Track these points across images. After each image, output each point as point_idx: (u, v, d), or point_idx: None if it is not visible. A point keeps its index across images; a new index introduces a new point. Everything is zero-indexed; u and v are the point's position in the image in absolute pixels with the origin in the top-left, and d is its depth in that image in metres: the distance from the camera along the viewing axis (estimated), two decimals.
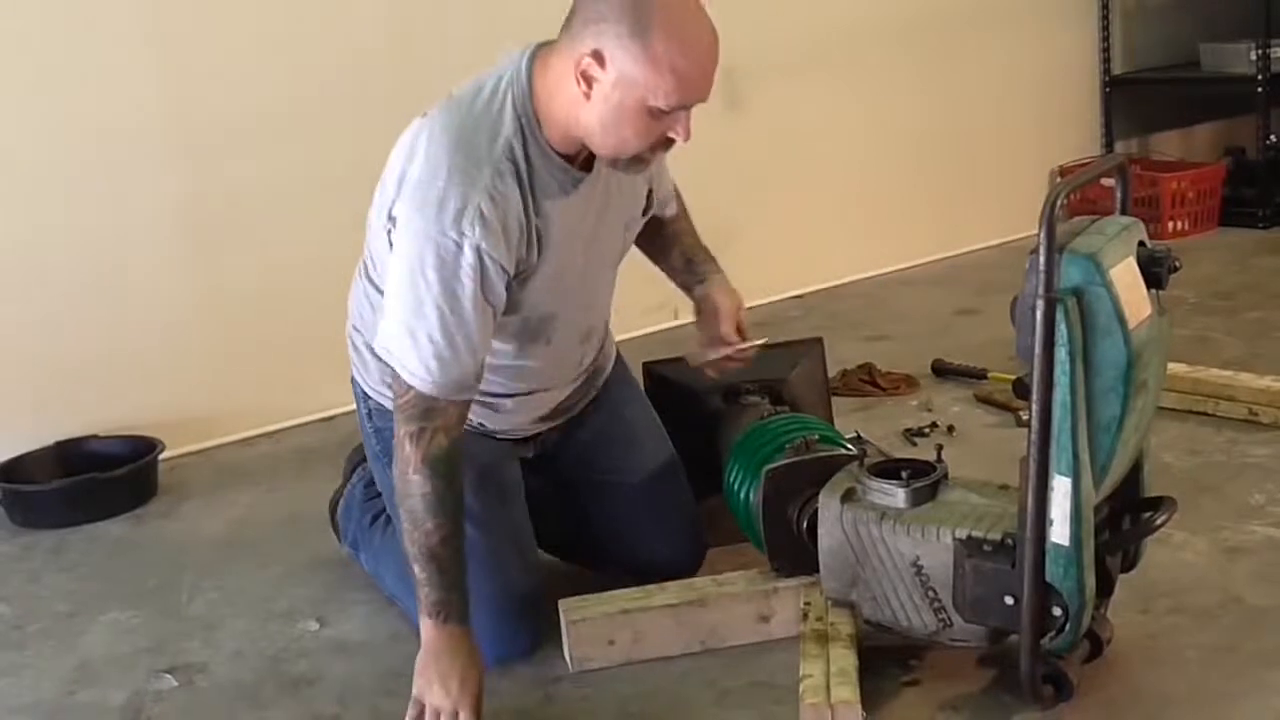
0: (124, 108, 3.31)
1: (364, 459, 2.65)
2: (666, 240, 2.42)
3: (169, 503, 3.16)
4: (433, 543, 2.01)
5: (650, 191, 2.30)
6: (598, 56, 1.91)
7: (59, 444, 3.25)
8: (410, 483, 2.01)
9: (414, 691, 2.02)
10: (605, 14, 1.90)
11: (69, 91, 3.23)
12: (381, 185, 2.10)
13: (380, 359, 2.09)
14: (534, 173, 2.03)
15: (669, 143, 2.01)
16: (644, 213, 2.30)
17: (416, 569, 2.04)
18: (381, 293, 2.10)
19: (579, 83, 1.94)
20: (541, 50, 2.03)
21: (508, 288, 2.04)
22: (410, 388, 1.99)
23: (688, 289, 2.41)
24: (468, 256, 1.95)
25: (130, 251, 3.36)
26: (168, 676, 2.32)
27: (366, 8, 3.64)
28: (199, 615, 2.56)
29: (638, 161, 2.04)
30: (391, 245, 2.04)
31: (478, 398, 2.14)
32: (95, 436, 3.29)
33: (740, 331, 2.34)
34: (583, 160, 2.08)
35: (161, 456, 3.24)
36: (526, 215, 2.02)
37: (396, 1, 3.67)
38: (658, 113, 1.94)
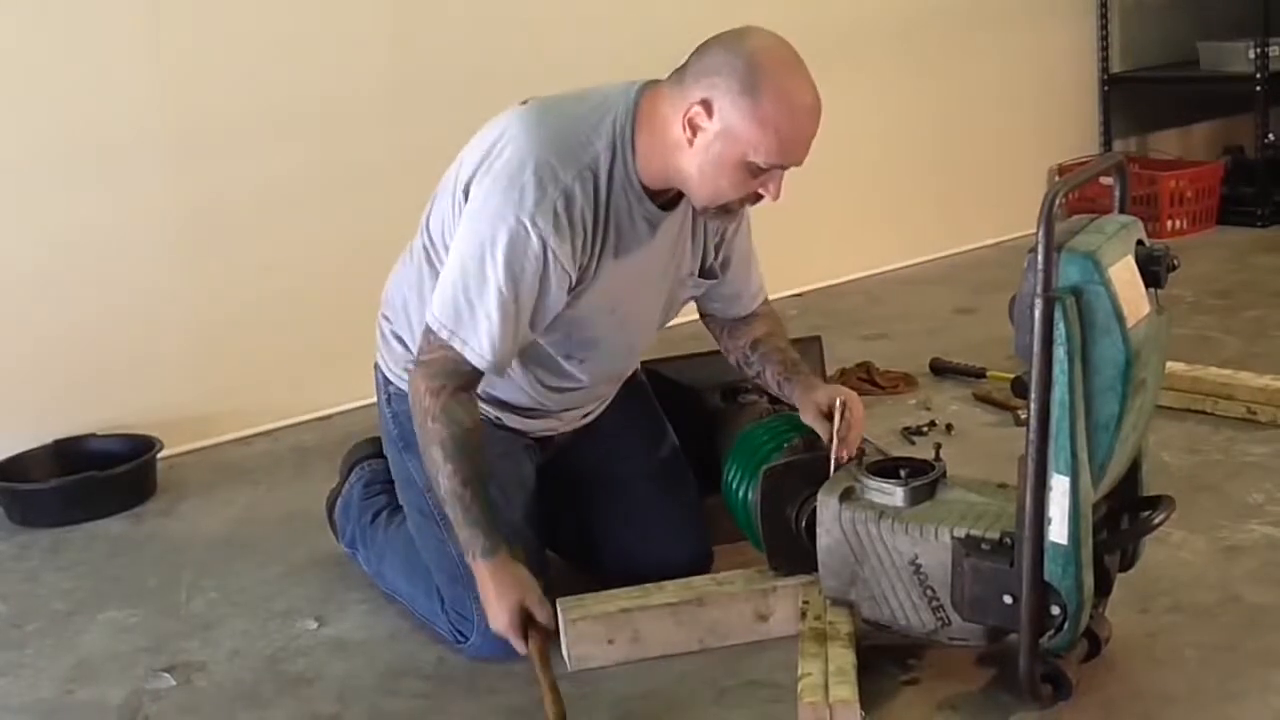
0: (124, 109, 3.30)
1: (361, 458, 2.66)
2: (761, 334, 2.42)
3: (167, 501, 3.15)
4: (454, 484, 2.12)
5: (719, 258, 2.33)
6: (706, 106, 2.00)
7: (57, 442, 3.25)
8: (429, 431, 2.12)
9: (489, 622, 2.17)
10: (719, 69, 1.99)
11: (68, 93, 3.22)
12: (459, 163, 2.17)
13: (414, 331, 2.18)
14: (613, 193, 2.09)
15: (758, 198, 2.09)
16: (705, 274, 2.32)
17: (447, 513, 2.16)
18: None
19: (685, 129, 2.02)
20: (651, 87, 2.11)
21: (569, 291, 2.11)
22: (445, 348, 2.09)
23: (783, 391, 2.37)
24: (534, 247, 2.03)
25: (129, 251, 3.35)
26: (166, 675, 2.32)
27: (367, 9, 3.64)
28: (197, 614, 2.56)
29: (726, 212, 2.13)
30: (457, 221, 2.11)
31: (504, 404, 2.27)
32: (94, 435, 3.28)
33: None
34: (664, 202, 2.14)
35: (160, 455, 3.23)
36: (595, 229, 2.08)
37: (397, 3, 3.67)
38: (755, 169, 2.03)
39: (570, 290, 2.11)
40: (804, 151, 2.05)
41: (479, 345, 2.07)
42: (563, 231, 2.03)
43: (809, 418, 2.27)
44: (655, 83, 2.11)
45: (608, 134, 2.08)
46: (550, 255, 2.04)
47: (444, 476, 2.12)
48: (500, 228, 2.03)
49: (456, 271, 2.08)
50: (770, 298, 2.49)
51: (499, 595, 2.14)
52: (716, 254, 2.32)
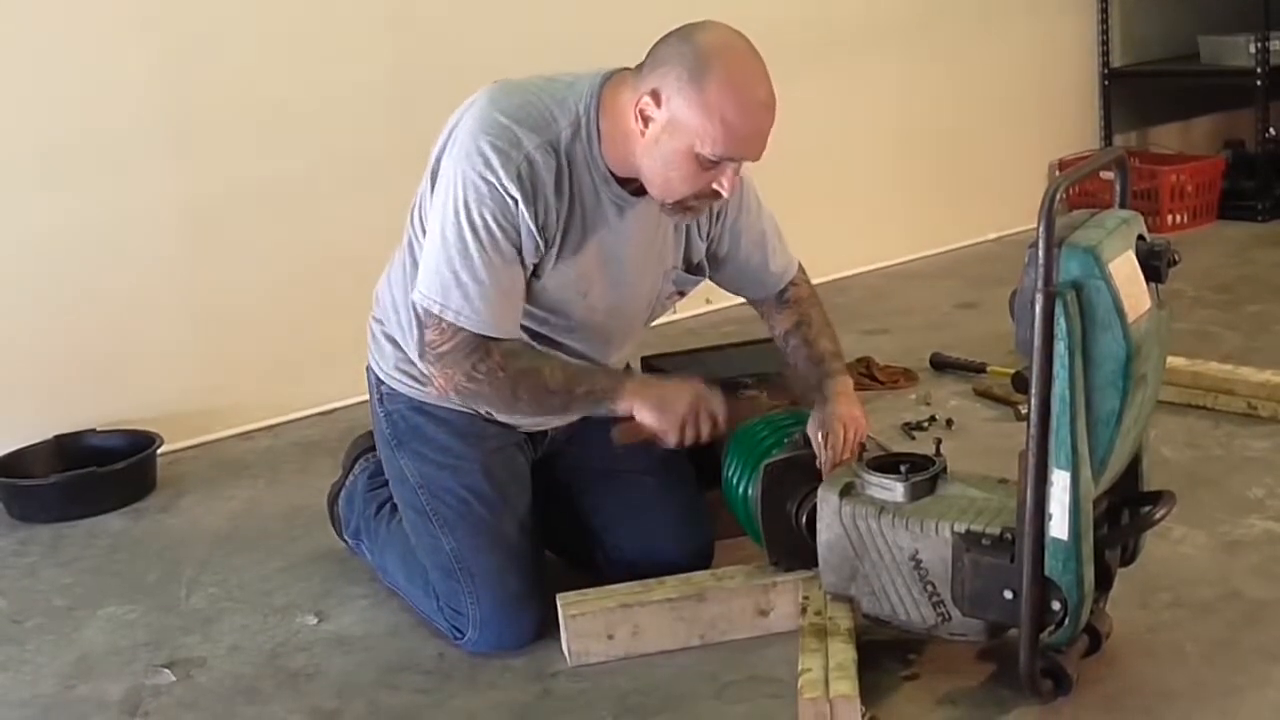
0: (123, 105, 3.30)
1: (366, 450, 2.66)
2: (790, 325, 2.42)
3: (168, 497, 3.15)
4: (562, 374, 2.16)
5: (716, 249, 2.33)
6: (655, 96, 2.00)
7: (58, 438, 3.25)
8: (504, 381, 2.11)
9: (669, 431, 2.18)
10: (669, 58, 2.00)
11: (69, 91, 3.22)
12: (434, 149, 2.17)
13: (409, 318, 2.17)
14: (574, 170, 2.09)
15: (716, 195, 2.07)
16: (694, 269, 2.32)
17: (579, 395, 2.18)
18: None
19: (637, 119, 2.03)
20: (616, 75, 2.11)
21: (535, 266, 2.11)
22: (459, 329, 2.08)
23: (807, 390, 2.36)
24: (505, 203, 2.04)
25: (129, 246, 3.35)
26: (166, 671, 2.32)
27: (366, 5, 3.64)
28: (198, 610, 2.56)
29: (684, 209, 2.11)
30: (432, 199, 2.12)
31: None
32: (94, 430, 3.28)
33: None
34: (635, 189, 2.13)
35: (160, 451, 3.24)
36: (558, 200, 2.08)
37: (397, 2, 3.68)
38: (705, 162, 2.01)
39: (538, 257, 2.11)
40: (756, 145, 2.02)
41: (475, 312, 2.08)
42: (526, 193, 2.04)
43: (809, 428, 2.26)
44: (623, 69, 2.11)
45: (571, 113, 2.08)
46: (521, 212, 2.05)
47: (551, 380, 2.14)
48: (469, 191, 2.05)
49: (437, 245, 2.09)
50: None
51: (677, 381, 2.23)
52: (711, 244, 2.32)
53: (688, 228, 2.27)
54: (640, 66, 2.06)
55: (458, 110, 2.15)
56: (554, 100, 2.10)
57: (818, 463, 2.20)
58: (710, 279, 2.39)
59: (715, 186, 2.05)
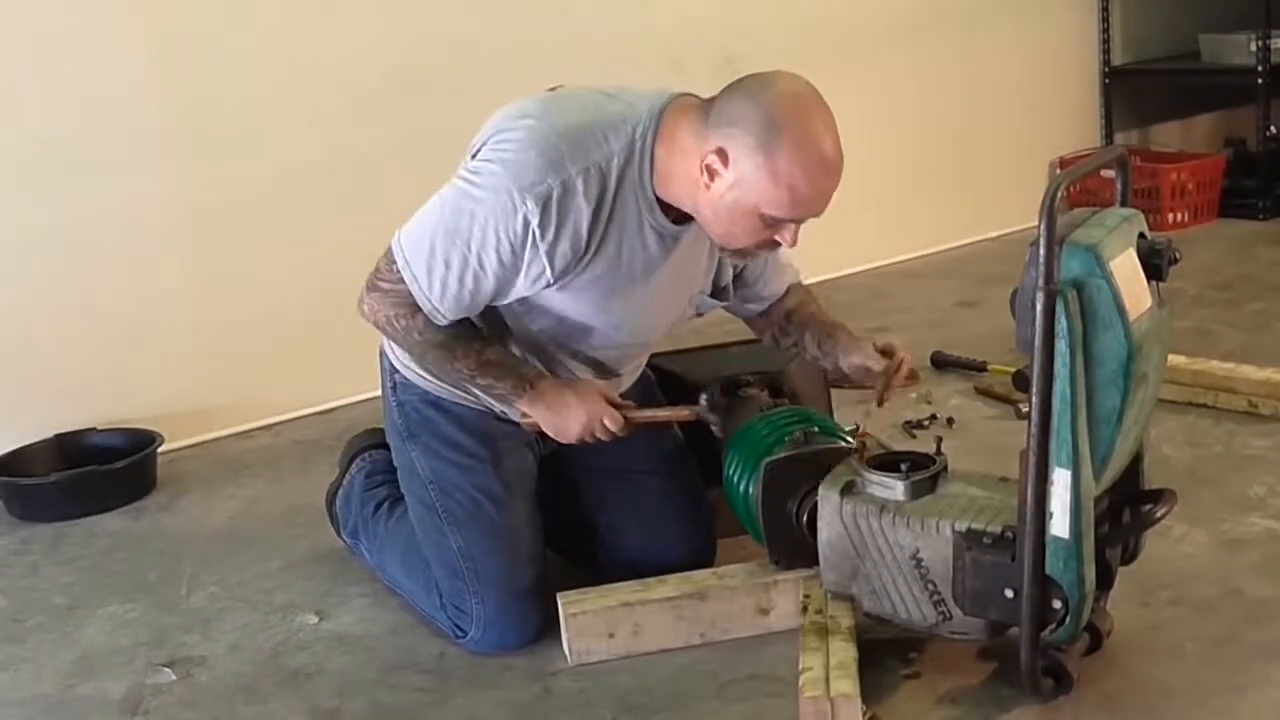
0: (124, 104, 3.30)
1: (363, 449, 2.66)
2: (794, 305, 2.44)
3: (168, 496, 3.15)
4: (474, 360, 2.17)
5: (736, 274, 2.34)
6: (722, 156, 1.98)
7: (58, 437, 3.25)
8: (416, 343, 2.17)
9: (563, 440, 2.24)
10: (739, 119, 1.97)
11: (69, 89, 3.22)
12: (478, 137, 2.15)
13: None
14: (620, 196, 2.07)
15: (775, 245, 2.10)
16: (718, 294, 2.33)
17: (480, 385, 2.21)
18: None
19: (702, 172, 2.01)
20: (678, 100, 2.09)
21: (548, 284, 2.10)
22: (400, 281, 2.11)
23: (834, 359, 2.39)
24: (518, 224, 2.03)
25: (130, 245, 3.35)
26: (166, 670, 2.32)
27: (369, 5, 3.63)
28: (198, 608, 2.56)
29: (741, 254, 2.15)
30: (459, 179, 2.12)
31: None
32: (94, 429, 3.28)
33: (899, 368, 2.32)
34: (676, 216, 2.12)
35: (161, 449, 3.24)
36: (592, 227, 2.06)
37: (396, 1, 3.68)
38: (770, 220, 2.01)
39: (545, 281, 2.09)
40: (822, 206, 2.02)
41: (429, 288, 2.09)
42: (549, 220, 2.02)
43: (862, 356, 2.30)
44: (686, 96, 2.09)
45: (627, 137, 2.05)
46: (531, 238, 2.03)
47: (461, 362, 2.17)
48: (491, 193, 2.03)
49: (435, 211, 2.09)
50: None
51: (576, 384, 2.24)
52: (733, 272, 2.33)
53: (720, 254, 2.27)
54: (706, 112, 2.02)
55: (510, 109, 2.12)
56: (610, 121, 2.06)
57: (886, 376, 2.27)
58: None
59: (776, 238, 2.06)
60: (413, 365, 2.32)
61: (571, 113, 2.08)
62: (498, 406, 2.30)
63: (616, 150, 2.05)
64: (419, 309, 2.13)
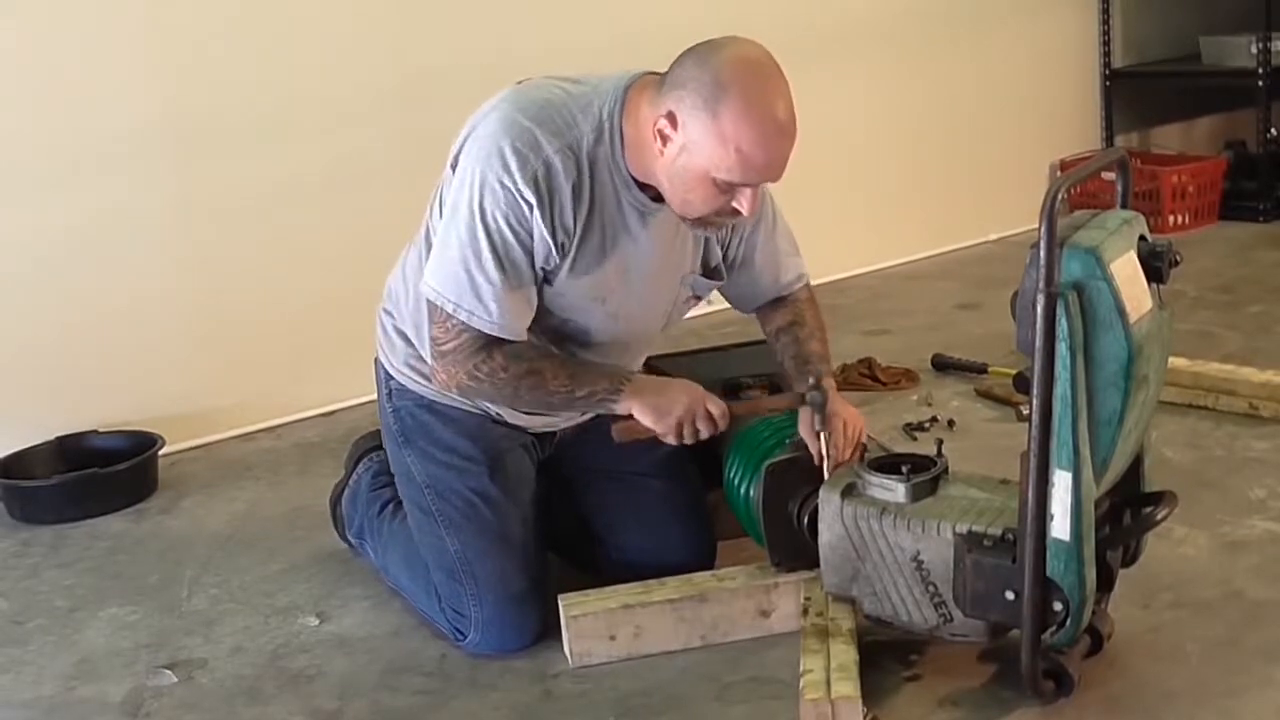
0: (124, 107, 3.30)
1: (370, 449, 2.66)
2: (784, 323, 2.42)
3: (169, 498, 3.15)
4: (563, 374, 2.16)
5: (732, 257, 2.33)
6: (671, 119, 1.99)
7: (60, 439, 3.25)
8: (507, 381, 2.13)
9: (662, 430, 2.18)
10: (686, 81, 1.98)
11: (70, 91, 3.22)
12: (454, 145, 2.16)
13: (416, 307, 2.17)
14: (596, 175, 2.08)
15: (735, 213, 2.06)
16: (710, 273, 2.31)
17: (580, 398, 2.18)
18: None
19: (655, 138, 2.01)
20: (641, 78, 2.10)
21: (547, 269, 2.11)
22: (464, 328, 2.09)
23: (795, 383, 2.34)
24: (520, 208, 2.04)
25: (131, 247, 3.35)
26: (167, 672, 2.32)
27: (368, 5, 3.64)
28: (199, 611, 2.56)
29: (704, 224, 2.11)
30: (448, 192, 2.12)
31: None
32: (96, 432, 3.28)
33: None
34: (655, 194, 2.12)
35: (162, 452, 3.24)
36: (576, 205, 2.08)
37: (394, 2, 3.68)
38: (723, 185, 2.00)
39: (552, 264, 2.11)
40: (773, 171, 2.01)
41: (487, 312, 2.08)
42: (542, 198, 2.04)
43: (802, 430, 2.25)
44: (649, 74, 2.10)
45: (594, 117, 2.07)
46: (535, 217, 2.05)
47: (554, 383, 2.15)
48: (485, 193, 2.05)
49: (452, 243, 2.09)
50: None
51: (679, 382, 2.22)
52: (727, 252, 2.32)
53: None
54: (664, 79, 2.04)
55: (480, 109, 2.14)
56: (577, 103, 2.08)
57: (819, 463, 2.19)
58: (719, 290, 2.39)
59: (735, 206, 2.05)
60: (408, 371, 2.32)
61: (538, 99, 2.09)
62: (493, 410, 2.30)
63: (586, 130, 2.07)
64: (491, 342, 2.11)
